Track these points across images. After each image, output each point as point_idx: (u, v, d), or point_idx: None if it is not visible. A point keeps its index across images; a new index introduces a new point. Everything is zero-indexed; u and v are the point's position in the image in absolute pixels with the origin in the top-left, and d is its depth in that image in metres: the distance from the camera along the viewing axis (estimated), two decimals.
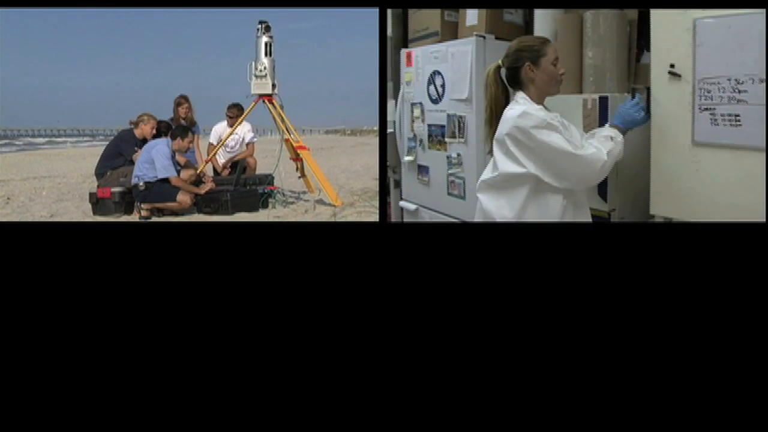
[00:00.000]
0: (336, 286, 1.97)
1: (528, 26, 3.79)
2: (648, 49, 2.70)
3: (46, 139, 40.58)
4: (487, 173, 2.42)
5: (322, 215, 5.14)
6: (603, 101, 2.75)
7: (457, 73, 3.67)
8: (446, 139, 3.83)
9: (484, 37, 3.60)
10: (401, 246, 2.00)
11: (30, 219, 5.29)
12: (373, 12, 2.93)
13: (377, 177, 7.27)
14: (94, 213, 5.38)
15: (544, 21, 3.25)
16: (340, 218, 5.01)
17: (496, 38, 3.66)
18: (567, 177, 2.24)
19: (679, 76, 2.38)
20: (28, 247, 2.02)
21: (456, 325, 1.94)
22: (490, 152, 2.44)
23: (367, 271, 1.98)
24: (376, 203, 5.52)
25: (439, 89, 3.88)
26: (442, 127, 3.85)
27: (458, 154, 3.73)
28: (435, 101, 3.93)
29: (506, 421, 1.87)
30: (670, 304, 1.91)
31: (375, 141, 21.64)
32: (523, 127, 2.22)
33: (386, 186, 4.62)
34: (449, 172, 3.83)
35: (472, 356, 1.92)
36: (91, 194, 5.50)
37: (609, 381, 1.89)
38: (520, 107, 2.28)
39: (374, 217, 4.87)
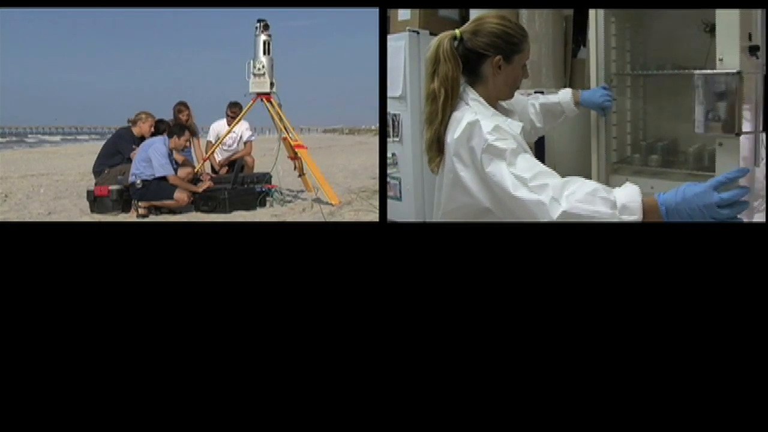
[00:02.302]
0: (336, 287, 1.97)
1: (464, 21, 3.73)
2: (584, 44, 2.70)
3: (61, 137, 40.20)
4: (446, 203, 1.83)
5: (320, 214, 5.14)
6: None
7: (390, 70, 3.57)
8: None
9: (417, 33, 3.52)
10: (401, 246, 2.00)
11: (28, 216, 5.29)
12: (373, 10, 2.92)
13: (375, 176, 7.27)
14: (92, 211, 5.38)
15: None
16: (337, 217, 5.01)
17: (431, 34, 3.58)
18: (508, 212, 1.70)
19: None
20: (25, 247, 2.02)
21: (456, 325, 1.93)
22: (436, 164, 1.82)
23: (367, 271, 1.97)
24: (374, 202, 5.52)
25: None
26: None
27: (393, 154, 3.67)
28: (387, 96, 3.79)
29: (506, 421, 1.87)
30: (669, 305, 1.90)
31: (373, 140, 21.66)
32: (472, 147, 1.67)
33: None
34: None
35: (473, 357, 1.92)
36: (88, 192, 5.50)
37: (611, 382, 1.89)
38: (470, 114, 1.72)
39: (372, 216, 4.87)
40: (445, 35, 1.80)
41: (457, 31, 1.81)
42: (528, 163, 1.61)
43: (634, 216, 1.51)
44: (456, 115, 1.76)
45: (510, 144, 1.63)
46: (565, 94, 2.20)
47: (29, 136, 41.23)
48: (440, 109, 1.76)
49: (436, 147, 1.81)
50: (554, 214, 1.54)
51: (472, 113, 1.72)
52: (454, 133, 1.72)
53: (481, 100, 1.78)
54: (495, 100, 1.84)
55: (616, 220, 1.52)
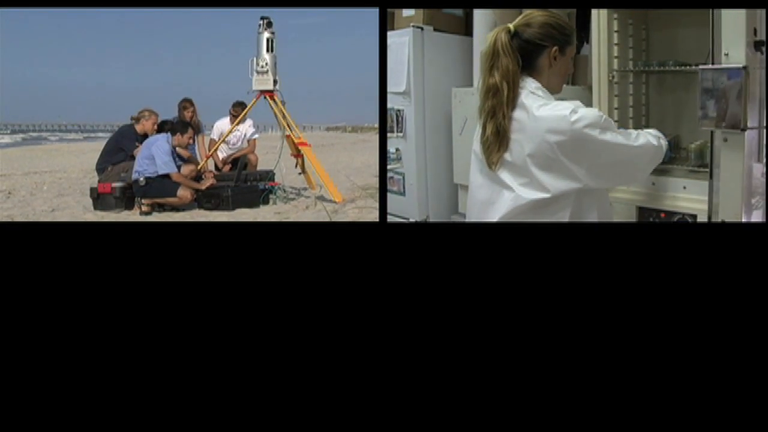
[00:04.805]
0: (336, 286, 1.97)
1: (468, 17, 3.76)
2: (587, 40, 2.71)
3: (84, 135, 39.95)
4: (523, 194, 1.80)
5: (323, 211, 5.13)
6: None
7: (395, 66, 3.60)
8: None
9: (421, 29, 3.56)
10: (401, 246, 1.99)
11: (31, 213, 5.30)
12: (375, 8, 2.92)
13: (377, 174, 7.27)
14: (95, 208, 5.38)
15: (483, 11, 3.21)
16: (341, 214, 5.01)
17: (435, 30, 3.63)
18: (620, 177, 1.94)
19: None
20: (28, 247, 2.02)
21: (456, 325, 1.93)
22: (497, 159, 1.82)
23: (367, 271, 1.97)
24: (377, 199, 5.52)
25: None
26: None
27: (397, 149, 3.69)
28: (387, 95, 3.81)
29: (506, 421, 1.87)
30: (670, 305, 1.90)
31: (376, 138, 21.62)
32: (580, 132, 1.72)
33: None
34: (388, 167, 3.79)
35: (473, 356, 1.91)
36: (91, 189, 5.50)
37: (610, 382, 1.88)
38: (560, 105, 1.77)
39: (375, 214, 4.86)
40: (501, 29, 1.82)
41: (510, 25, 1.82)
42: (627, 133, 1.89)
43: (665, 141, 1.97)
44: (527, 102, 1.77)
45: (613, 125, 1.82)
46: None
47: (43, 132, 41.16)
48: (504, 103, 1.78)
49: (498, 141, 1.81)
50: (664, 148, 1.95)
51: (554, 102, 1.77)
52: (554, 123, 1.73)
53: (545, 90, 1.81)
54: (550, 92, 1.86)
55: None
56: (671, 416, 1.84)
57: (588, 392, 1.87)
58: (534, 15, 1.83)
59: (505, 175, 1.83)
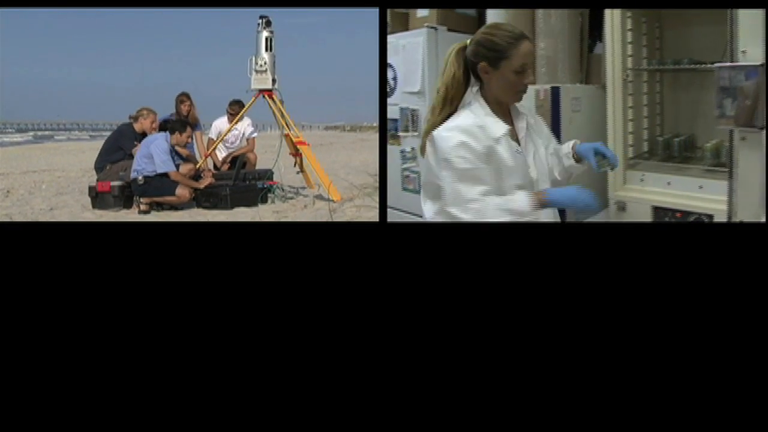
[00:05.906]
0: (336, 287, 1.97)
1: (481, 17, 3.78)
2: (601, 39, 2.73)
3: (89, 134, 40.03)
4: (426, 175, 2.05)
5: (321, 210, 5.13)
6: (555, 91, 2.78)
7: (409, 66, 3.66)
8: (399, 133, 3.84)
9: (435, 29, 3.60)
10: (401, 246, 1.99)
11: (29, 212, 5.29)
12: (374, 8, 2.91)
13: (376, 173, 7.26)
14: (94, 207, 5.39)
15: (496, 11, 3.25)
16: (339, 213, 5.00)
17: (449, 30, 3.67)
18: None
19: None
20: (26, 247, 2.01)
21: (456, 325, 1.93)
22: (423, 150, 2.04)
23: (367, 271, 1.97)
24: (376, 198, 5.51)
25: (391, 82, 3.87)
26: (395, 121, 3.85)
27: (412, 148, 3.75)
28: (387, 95, 3.90)
29: (506, 422, 1.86)
30: (669, 305, 1.91)
31: (375, 137, 21.68)
32: (433, 138, 1.94)
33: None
34: (403, 166, 3.86)
35: (473, 357, 1.91)
36: (90, 188, 5.51)
37: (609, 383, 1.88)
38: (460, 118, 1.95)
39: (373, 213, 4.86)
40: (458, 45, 2.01)
41: (467, 41, 1.99)
42: (468, 185, 1.87)
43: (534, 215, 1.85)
44: (459, 112, 1.97)
45: (463, 164, 1.87)
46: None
47: (48, 131, 41.35)
48: (440, 102, 1.99)
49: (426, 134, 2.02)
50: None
51: (461, 117, 1.95)
52: (440, 131, 1.93)
53: (482, 101, 1.97)
54: (497, 101, 1.98)
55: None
56: (674, 416, 1.84)
57: (592, 392, 1.87)
58: (478, 31, 1.98)
59: None
